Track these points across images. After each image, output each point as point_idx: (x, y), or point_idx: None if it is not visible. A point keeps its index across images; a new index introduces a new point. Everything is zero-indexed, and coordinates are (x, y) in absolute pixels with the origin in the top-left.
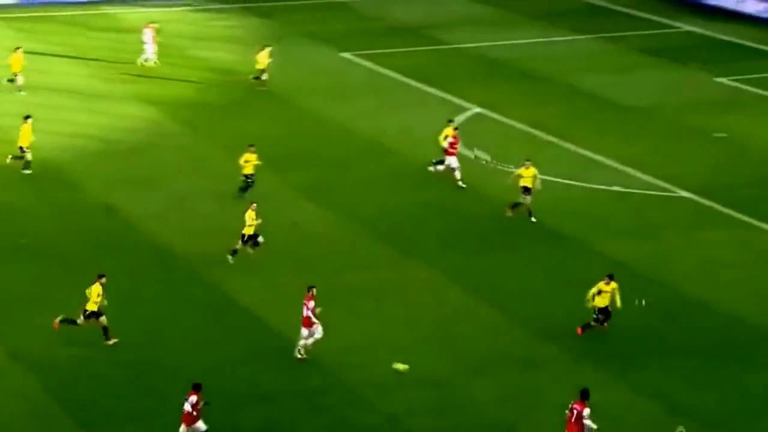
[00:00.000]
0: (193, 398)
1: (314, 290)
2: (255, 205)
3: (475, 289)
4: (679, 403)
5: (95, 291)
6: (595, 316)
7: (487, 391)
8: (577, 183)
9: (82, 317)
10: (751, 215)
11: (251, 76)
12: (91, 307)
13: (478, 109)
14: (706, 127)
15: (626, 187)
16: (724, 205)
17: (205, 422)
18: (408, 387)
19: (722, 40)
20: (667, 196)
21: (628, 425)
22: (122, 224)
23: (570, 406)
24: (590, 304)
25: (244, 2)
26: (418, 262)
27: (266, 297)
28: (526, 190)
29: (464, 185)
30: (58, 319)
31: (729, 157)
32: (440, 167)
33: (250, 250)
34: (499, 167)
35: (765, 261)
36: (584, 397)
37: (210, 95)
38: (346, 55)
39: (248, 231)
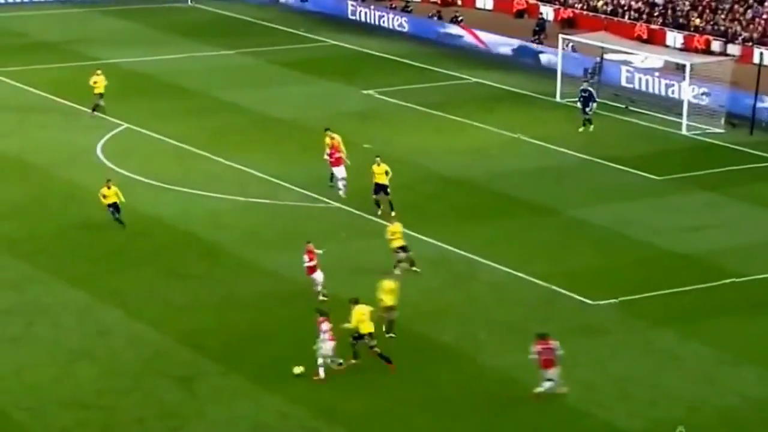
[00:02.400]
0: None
1: (311, 244)
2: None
3: (126, 306)
4: (331, 409)
5: (361, 312)
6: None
7: (142, 408)
8: (228, 196)
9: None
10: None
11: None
12: (367, 328)
13: (127, 125)
14: (355, 138)
15: (278, 200)
16: (373, 213)
17: None
18: (65, 409)
19: (367, 54)
20: (319, 207)
21: None
22: None
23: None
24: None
25: None
26: (64, 282)
27: None
28: (380, 187)
29: (344, 196)
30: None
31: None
32: (339, 184)
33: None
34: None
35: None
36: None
37: None
38: None
39: (398, 243)
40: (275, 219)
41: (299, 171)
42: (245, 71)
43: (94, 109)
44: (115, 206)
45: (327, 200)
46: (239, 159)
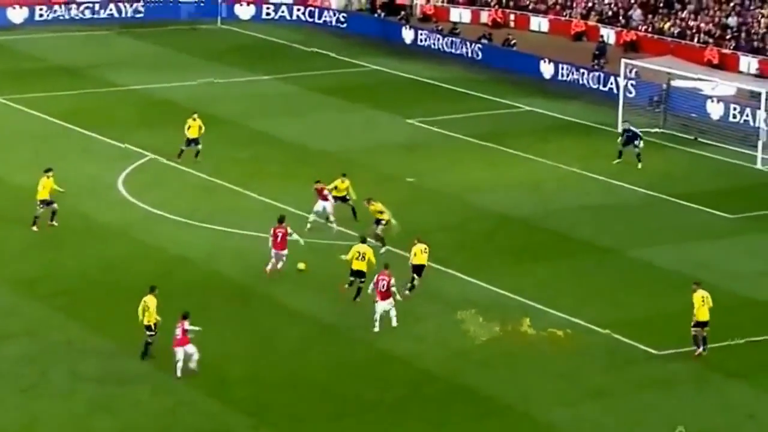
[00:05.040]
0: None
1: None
2: None
3: (150, 353)
4: None
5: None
6: None
7: None
8: (260, 234)
9: None
10: (439, 263)
11: None
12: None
13: (151, 155)
14: (398, 171)
15: (315, 238)
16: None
17: None
18: None
19: (411, 80)
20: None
21: None
22: None
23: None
24: None
25: None
26: (85, 327)
27: None
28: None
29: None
30: None
31: (420, 202)
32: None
33: None
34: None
35: (451, 309)
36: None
37: None
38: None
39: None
40: (311, 258)
41: (338, 207)
42: (281, 98)
43: (179, 155)
44: None
45: (369, 239)
46: (273, 194)
